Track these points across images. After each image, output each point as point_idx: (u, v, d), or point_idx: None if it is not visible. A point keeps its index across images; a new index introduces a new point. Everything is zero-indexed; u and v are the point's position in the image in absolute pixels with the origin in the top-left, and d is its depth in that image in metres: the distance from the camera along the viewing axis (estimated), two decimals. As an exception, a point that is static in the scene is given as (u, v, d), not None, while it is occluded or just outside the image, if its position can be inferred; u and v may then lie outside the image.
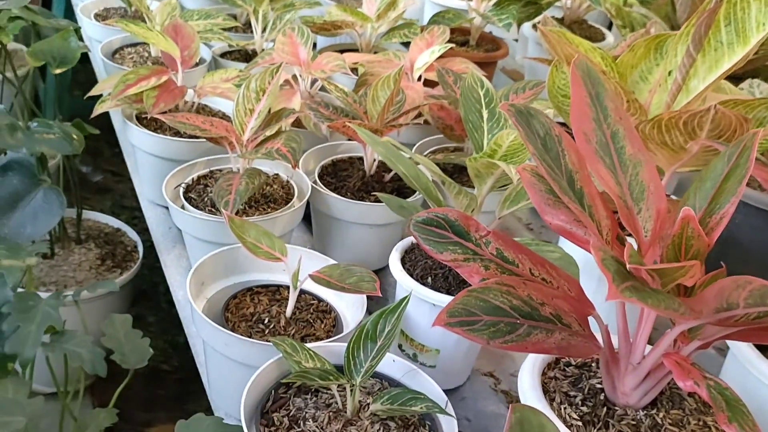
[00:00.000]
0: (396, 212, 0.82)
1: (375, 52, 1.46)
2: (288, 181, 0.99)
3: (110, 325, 0.86)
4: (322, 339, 0.75)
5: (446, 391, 0.73)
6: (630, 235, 0.57)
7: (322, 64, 1.11)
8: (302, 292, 0.81)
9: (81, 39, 1.31)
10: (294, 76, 1.18)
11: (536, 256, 0.58)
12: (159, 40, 1.04)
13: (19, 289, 0.82)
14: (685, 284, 0.50)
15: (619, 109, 0.59)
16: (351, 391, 0.62)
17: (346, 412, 0.62)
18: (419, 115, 1.23)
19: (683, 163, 0.82)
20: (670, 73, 0.84)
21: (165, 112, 1.01)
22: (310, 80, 1.16)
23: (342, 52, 1.54)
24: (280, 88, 1.17)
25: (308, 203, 0.99)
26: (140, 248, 1.39)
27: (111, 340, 0.85)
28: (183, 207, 0.92)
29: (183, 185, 0.95)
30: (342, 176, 1.04)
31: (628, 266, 0.38)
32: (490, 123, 0.78)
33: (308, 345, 0.67)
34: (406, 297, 0.63)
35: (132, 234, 1.41)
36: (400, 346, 0.82)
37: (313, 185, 0.98)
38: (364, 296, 0.78)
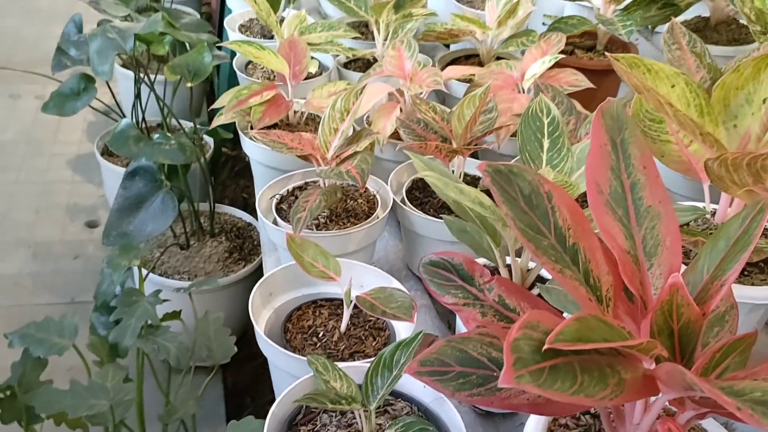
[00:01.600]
0: (457, 236, 0.83)
1: (498, 58, 1.45)
2: (375, 195, 1.04)
3: (203, 322, 0.96)
4: (371, 356, 0.79)
5: (505, 415, 0.74)
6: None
7: (421, 78, 1.14)
8: (361, 306, 0.86)
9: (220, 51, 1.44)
10: (399, 89, 1.21)
11: (543, 304, 0.58)
12: (269, 59, 1.13)
13: (128, 286, 0.94)
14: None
15: (645, 157, 0.57)
16: (366, 415, 0.65)
17: (362, 433, 0.66)
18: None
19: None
20: (765, 101, 0.78)
21: (271, 126, 1.10)
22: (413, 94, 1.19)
23: (467, 57, 1.56)
24: (388, 98, 1.21)
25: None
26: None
27: (202, 336, 0.95)
28: (275, 220, 1.00)
29: (277, 196, 1.03)
30: (430, 192, 1.06)
31: (545, 346, 0.38)
32: (550, 153, 0.77)
33: (342, 364, 0.72)
34: (420, 332, 0.66)
35: (261, 228, 1.54)
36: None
37: (398, 201, 1.01)
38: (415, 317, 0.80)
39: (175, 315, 1.09)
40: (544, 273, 0.83)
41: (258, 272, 1.46)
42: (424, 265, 0.60)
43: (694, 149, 0.86)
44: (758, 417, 0.34)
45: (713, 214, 0.87)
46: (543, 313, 0.43)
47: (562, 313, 0.67)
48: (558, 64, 1.22)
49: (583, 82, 1.17)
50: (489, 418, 0.84)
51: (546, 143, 0.78)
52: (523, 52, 1.41)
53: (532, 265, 0.79)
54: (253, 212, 1.62)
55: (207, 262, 1.40)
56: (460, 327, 0.84)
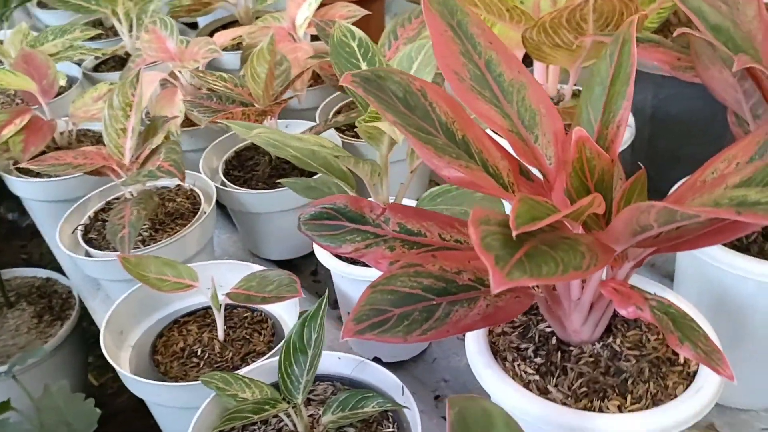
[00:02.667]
0: (304, 195, 0.76)
1: (257, 18, 1.37)
2: (192, 190, 0.92)
3: (46, 398, 0.80)
4: (264, 353, 0.70)
5: (414, 359, 0.69)
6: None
7: (193, 52, 1.03)
8: (232, 307, 0.76)
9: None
10: (172, 73, 1.09)
11: (443, 217, 0.53)
12: (9, 79, 0.95)
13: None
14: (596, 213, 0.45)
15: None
16: (296, 411, 0.57)
17: (298, 433, 0.58)
18: (317, 76, 1.15)
19: (585, 58, 0.76)
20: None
21: (38, 155, 0.93)
22: (188, 73, 1.07)
23: (224, 26, 1.45)
24: (162, 87, 1.08)
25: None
26: (75, 292, 1.32)
27: (50, 413, 0.80)
28: (87, 253, 0.85)
29: (80, 228, 0.87)
30: (249, 166, 0.97)
31: (515, 233, 0.33)
32: (371, 75, 0.72)
33: (241, 371, 0.62)
34: (323, 298, 0.58)
35: (63, 280, 1.33)
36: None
37: (219, 186, 0.91)
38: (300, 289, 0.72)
39: (6, 406, 0.90)
40: (405, 201, 0.78)
41: (80, 325, 1.27)
42: (305, 223, 0.52)
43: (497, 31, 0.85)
44: (761, 213, 0.31)
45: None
46: (483, 209, 0.37)
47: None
48: (324, 3, 1.17)
49: (358, 11, 1.13)
50: (400, 366, 0.79)
51: (364, 66, 0.72)
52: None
53: (392, 199, 0.74)
54: (46, 267, 1.40)
55: (15, 336, 1.19)
56: (338, 291, 0.77)
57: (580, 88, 0.94)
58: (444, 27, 0.52)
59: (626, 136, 0.84)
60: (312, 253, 0.99)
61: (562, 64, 0.78)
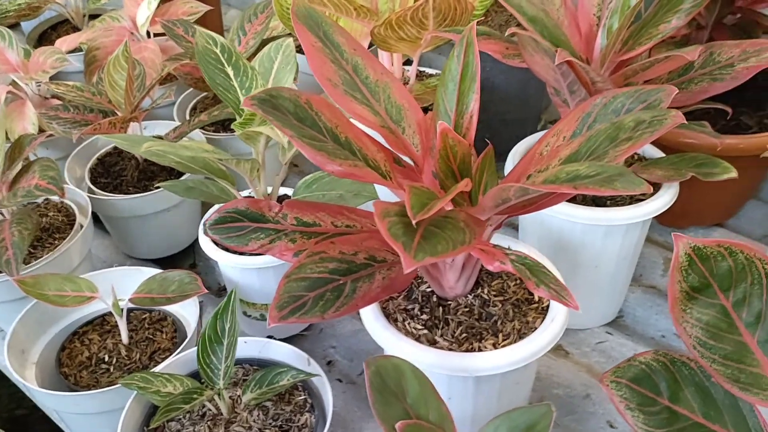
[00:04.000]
0: (185, 195, 0.80)
1: (92, 17, 1.34)
2: (62, 202, 0.93)
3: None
4: (169, 349, 0.75)
5: (303, 332, 0.76)
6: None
7: (39, 63, 1.01)
8: (129, 310, 0.79)
9: None
10: (14, 83, 1.06)
11: (332, 207, 0.61)
12: None
13: None
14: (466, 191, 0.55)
15: (350, 41, 0.61)
16: (219, 396, 0.63)
17: (222, 414, 0.64)
18: (169, 76, 1.17)
19: (426, 45, 0.86)
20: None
21: None
22: (34, 84, 1.05)
23: (53, 28, 1.41)
24: (5, 104, 1.06)
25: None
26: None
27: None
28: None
29: (-50, 255, 0.86)
30: (116, 172, 0.99)
31: (414, 220, 0.42)
32: (239, 79, 0.77)
33: (158, 367, 0.67)
34: (232, 292, 0.64)
35: None
36: (244, 313, 0.84)
37: (89, 195, 0.92)
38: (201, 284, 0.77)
39: None
40: (282, 189, 0.85)
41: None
42: (211, 228, 0.58)
43: (342, 23, 0.92)
44: (590, 186, 0.42)
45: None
46: (381, 203, 0.46)
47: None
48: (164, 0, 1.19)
49: (200, 7, 1.16)
50: (292, 341, 0.86)
51: (230, 71, 0.77)
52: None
53: (269, 189, 0.81)
54: None
55: None
56: (226, 280, 0.83)
57: (423, 69, 1.04)
58: (313, 39, 0.59)
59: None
60: (188, 248, 1.03)
61: (405, 52, 0.88)
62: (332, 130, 0.54)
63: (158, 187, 0.90)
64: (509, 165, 0.82)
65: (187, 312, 0.79)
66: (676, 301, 0.43)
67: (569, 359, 0.84)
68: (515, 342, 0.61)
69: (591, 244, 0.77)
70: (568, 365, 0.83)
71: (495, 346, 0.61)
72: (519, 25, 0.94)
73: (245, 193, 0.83)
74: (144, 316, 0.79)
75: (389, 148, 0.59)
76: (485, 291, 0.65)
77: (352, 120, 0.58)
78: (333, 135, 0.54)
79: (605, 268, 0.80)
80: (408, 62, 0.96)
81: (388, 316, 0.64)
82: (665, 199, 0.75)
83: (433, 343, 0.62)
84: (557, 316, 0.62)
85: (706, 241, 0.44)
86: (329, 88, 0.59)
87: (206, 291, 0.69)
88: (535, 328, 0.62)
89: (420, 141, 0.61)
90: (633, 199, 0.76)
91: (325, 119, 0.54)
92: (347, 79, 0.60)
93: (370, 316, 0.63)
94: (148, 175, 0.97)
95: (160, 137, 0.92)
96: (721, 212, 0.99)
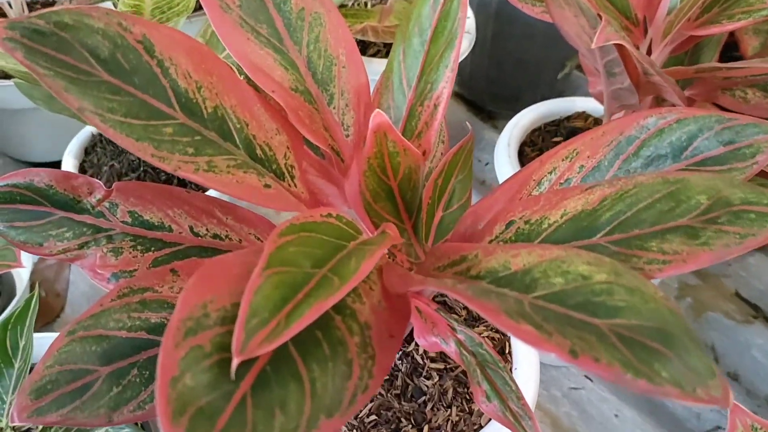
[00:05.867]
0: (46, 107, 0.57)
1: None
2: None
3: None
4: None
5: None
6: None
7: None
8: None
9: None
10: None
11: (199, 199, 0.39)
12: None
13: None
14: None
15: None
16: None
17: (11, 456, 0.44)
18: None
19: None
20: None
21: None
22: None
23: None
24: None
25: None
26: None
27: None
28: None
29: None
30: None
31: (234, 361, 0.20)
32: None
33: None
34: (32, 295, 0.43)
35: None
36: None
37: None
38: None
39: None
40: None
41: None
42: (-10, 207, 0.36)
43: None
44: (621, 369, 0.20)
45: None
46: (194, 294, 0.24)
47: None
48: None
49: None
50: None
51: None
52: None
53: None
54: None
55: None
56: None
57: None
58: None
59: (464, 45, 0.71)
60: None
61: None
62: (189, 95, 0.31)
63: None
64: (501, 151, 0.59)
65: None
66: None
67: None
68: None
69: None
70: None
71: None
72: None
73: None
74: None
75: (301, 125, 0.36)
76: (420, 350, 0.44)
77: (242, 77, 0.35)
78: (190, 104, 0.31)
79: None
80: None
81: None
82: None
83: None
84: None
85: None
86: (215, 11, 0.35)
87: (23, 266, 0.47)
88: (480, 427, 0.42)
89: (355, 120, 0.38)
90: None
91: (178, 74, 0.31)
92: (251, 1, 0.36)
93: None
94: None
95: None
96: None
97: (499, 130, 0.91)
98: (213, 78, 0.33)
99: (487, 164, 0.87)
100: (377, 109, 0.32)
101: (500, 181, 0.58)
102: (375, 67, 0.65)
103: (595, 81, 0.55)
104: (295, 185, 0.36)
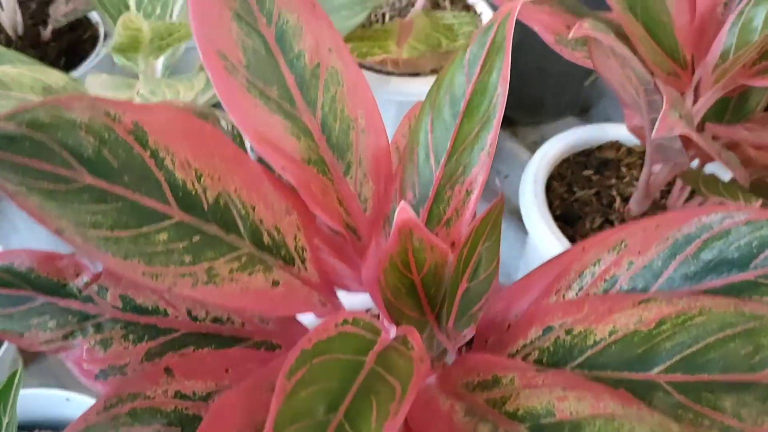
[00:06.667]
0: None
1: None
2: None
3: None
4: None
5: None
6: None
7: None
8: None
9: None
10: None
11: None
12: None
13: None
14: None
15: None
16: None
17: None
18: None
19: None
20: None
21: None
22: None
23: None
24: None
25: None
26: None
27: None
28: None
29: None
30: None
31: None
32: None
33: None
34: (14, 373, 0.39)
35: None
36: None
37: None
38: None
39: None
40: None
41: None
42: (-35, 289, 0.32)
43: None
44: None
45: None
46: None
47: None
48: None
49: None
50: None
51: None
52: None
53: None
54: None
55: None
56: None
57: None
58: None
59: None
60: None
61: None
62: (186, 186, 0.27)
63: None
64: (528, 189, 0.55)
65: None
66: None
67: None
68: None
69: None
70: None
71: None
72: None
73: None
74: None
75: (313, 202, 0.32)
76: None
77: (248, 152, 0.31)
78: (188, 197, 0.27)
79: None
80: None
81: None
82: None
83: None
84: None
85: None
86: (219, 72, 0.31)
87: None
88: None
89: (374, 192, 0.34)
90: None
91: (176, 165, 0.27)
92: (259, 55, 0.32)
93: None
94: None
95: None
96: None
97: (519, 138, 0.87)
98: (215, 160, 0.29)
99: (506, 176, 0.83)
100: (403, 202, 0.28)
101: (526, 225, 0.55)
102: (393, 86, 0.61)
103: (631, 114, 0.51)
104: (306, 269, 0.32)
